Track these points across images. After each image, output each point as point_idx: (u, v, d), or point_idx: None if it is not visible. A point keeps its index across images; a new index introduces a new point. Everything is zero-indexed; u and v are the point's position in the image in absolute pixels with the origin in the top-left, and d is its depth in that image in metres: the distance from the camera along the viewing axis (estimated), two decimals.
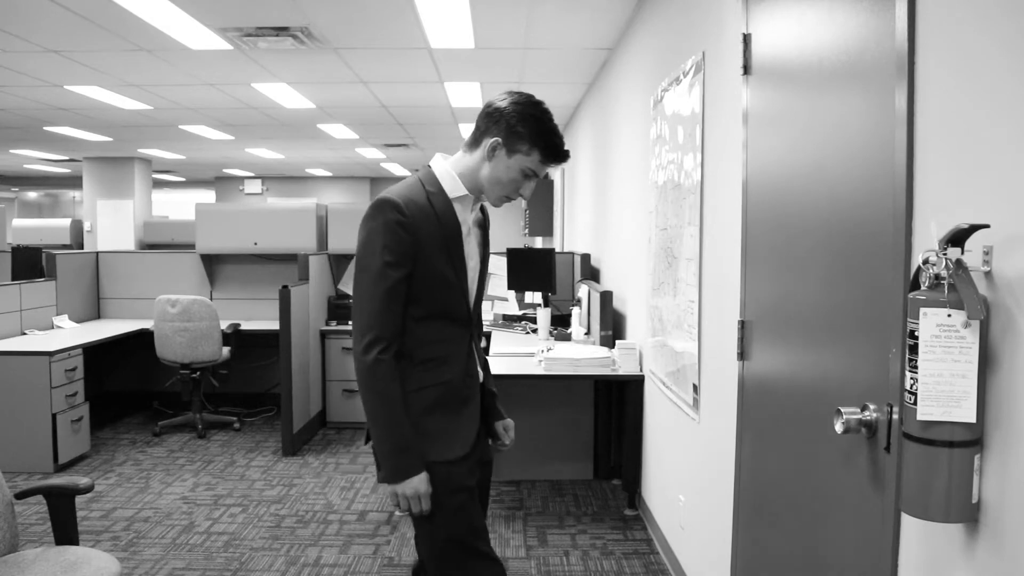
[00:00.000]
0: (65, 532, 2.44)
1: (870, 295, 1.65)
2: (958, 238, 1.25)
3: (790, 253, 2.06)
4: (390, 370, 1.90)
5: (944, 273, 1.25)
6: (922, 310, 1.26)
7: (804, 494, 1.95)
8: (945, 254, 1.25)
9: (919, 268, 1.31)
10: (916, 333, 1.27)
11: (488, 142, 1.97)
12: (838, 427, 1.60)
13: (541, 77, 6.10)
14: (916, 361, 1.27)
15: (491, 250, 2.23)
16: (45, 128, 8.72)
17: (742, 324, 2.41)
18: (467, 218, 2.05)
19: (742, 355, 2.41)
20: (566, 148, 2.02)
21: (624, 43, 4.73)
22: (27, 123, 8.33)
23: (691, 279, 3.05)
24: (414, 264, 1.92)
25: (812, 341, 1.93)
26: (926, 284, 1.28)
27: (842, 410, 1.59)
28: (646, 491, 3.97)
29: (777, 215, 2.16)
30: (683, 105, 3.17)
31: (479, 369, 2.13)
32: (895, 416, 1.51)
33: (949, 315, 1.24)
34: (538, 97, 2.02)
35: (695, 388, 2.99)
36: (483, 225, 2.18)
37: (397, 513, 4.04)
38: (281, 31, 4.72)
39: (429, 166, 2.06)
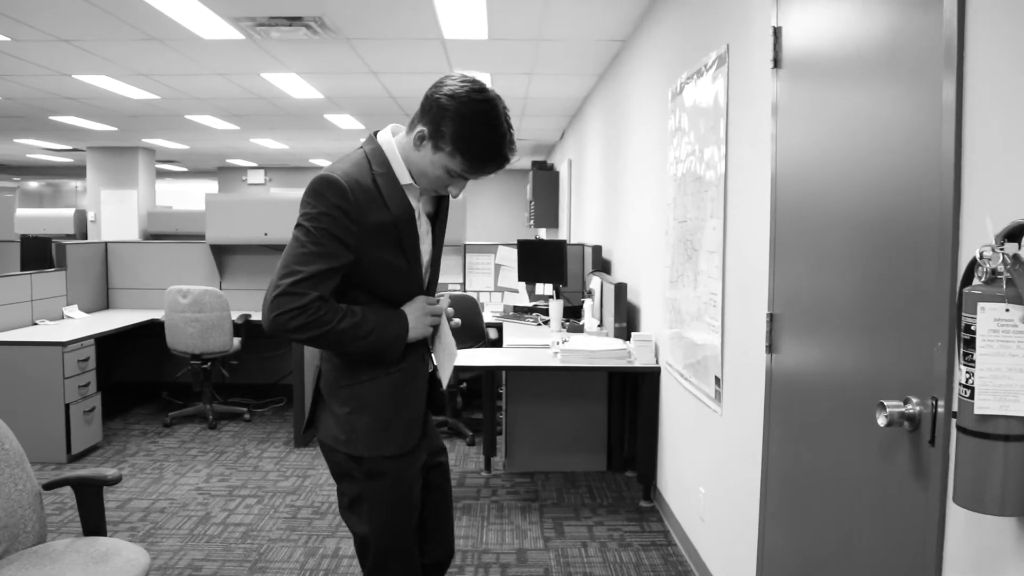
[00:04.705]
0: (93, 523, 2.44)
1: (911, 290, 1.64)
2: (1015, 233, 1.25)
3: (824, 247, 2.06)
4: (325, 303, 1.78)
5: (1001, 268, 1.25)
6: (979, 304, 1.25)
7: (838, 487, 1.95)
8: (1002, 249, 1.25)
9: (974, 263, 1.31)
10: (972, 328, 1.27)
11: (416, 130, 1.81)
12: (881, 420, 1.60)
13: (552, 68, 6.08)
14: (972, 356, 1.27)
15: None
16: (50, 117, 8.68)
17: (771, 317, 2.40)
18: (417, 205, 1.92)
19: (771, 348, 2.41)
20: (504, 154, 1.79)
21: (639, 35, 4.71)
22: (33, 112, 8.30)
23: (713, 272, 3.05)
24: (357, 252, 1.81)
25: (847, 335, 1.92)
26: (982, 279, 1.28)
27: (885, 403, 1.60)
28: (662, 483, 3.97)
29: (810, 209, 2.15)
30: (705, 98, 3.16)
31: (449, 342, 2.05)
32: (940, 410, 1.51)
33: (1007, 310, 1.23)
34: (491, 89, 1.79)
35: (717, 380, 2.99)
36: (437, 214, 2.02)
37: None
38: (295, 21, 4.70)
39: (376, 141, 1.88)
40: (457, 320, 2.06)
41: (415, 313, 1.92)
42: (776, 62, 2.37)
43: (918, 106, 1.62)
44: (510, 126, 1.83)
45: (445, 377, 2.06)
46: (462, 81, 1.79)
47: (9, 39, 5.12)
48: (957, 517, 1.46)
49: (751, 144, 2.65)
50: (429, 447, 2.10)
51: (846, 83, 1.94)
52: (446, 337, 2.03)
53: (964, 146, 1.47)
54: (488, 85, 1.82)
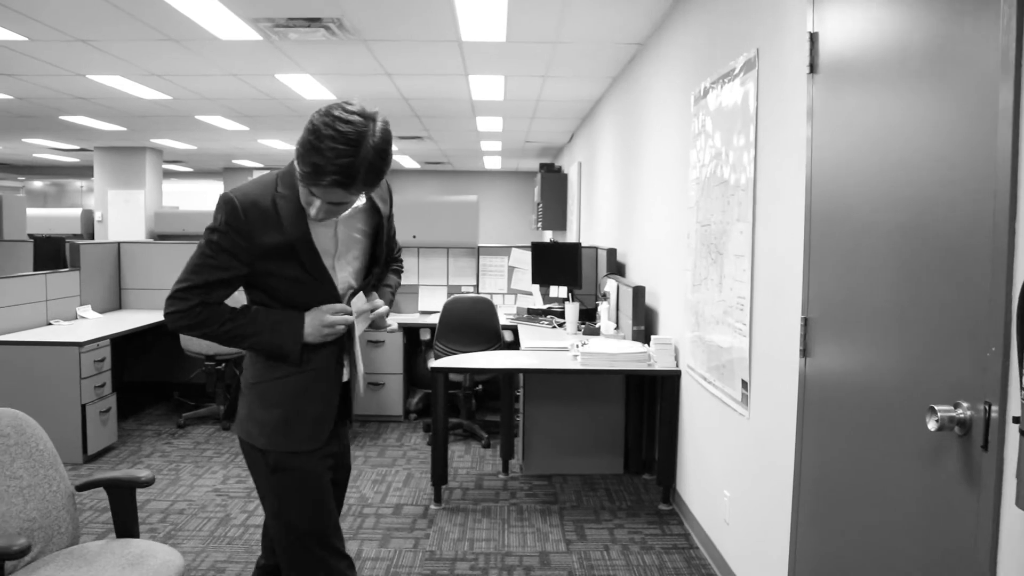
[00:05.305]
0: (125, 524, 2.44)
1: (959, 295, 1.64)
2: None
3: (864, 251, 2.05)
4: (208, 308, 1.97)
5: None
6: None
7: (879, 491, 1.95)
8: None
9: None
10: None
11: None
12: (931, 425, 1.60)
13: (566, 71, 6.08)
14: None
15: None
16: (60, 117, 8.67)
17: (805, 321, 2.40)
18: (333, 221, 2.00)
19: (805, 352, 2.41)
20: (338, 167, 1.76)
21: (657, 38, 4.72)
22: (44, 112, 8.29)
23: (740, 275, 3.05)
24: (251, 265, 1.94)
25: (889, 340, 1.92)
26: None
27: (936, 408, 1.60)
28: (681, 486, 3.97)
29: (849, 213, 2.15)
30: (732, 102, 3.16)
31: (356, 354, 2.14)
32: (994, 414, 1.51)
33: None
34: (367, 116, 1.80)
35: (744, 384, 2.99)
36: (378, 233, 2.13)
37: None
38: (313, 22, 4.70)
39: (293, 163, 1.93)
40: (383, 309, 2.15)
41: (314, 321, 2.01)
42: (812, 67, 2.37)
43: (968, 111, 1.62)
44: (374, 155, 1.80)
45: (359, 386, 2.16)
46: (345, 101, 1.83)
47: (26, 39, 5.12)
48: (1012, 521, 1.46)
49: (782, 148, 2.65)
50: (336, 454, 2.19)
51: (888, 88, 1.94)
52: (355, 345, 2.11)
53: (1021, 151, 1.47)
54: (377, 113, 1.84)
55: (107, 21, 4.69)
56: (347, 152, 1.76)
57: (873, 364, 2.00)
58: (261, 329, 2.00)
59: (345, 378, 2.15)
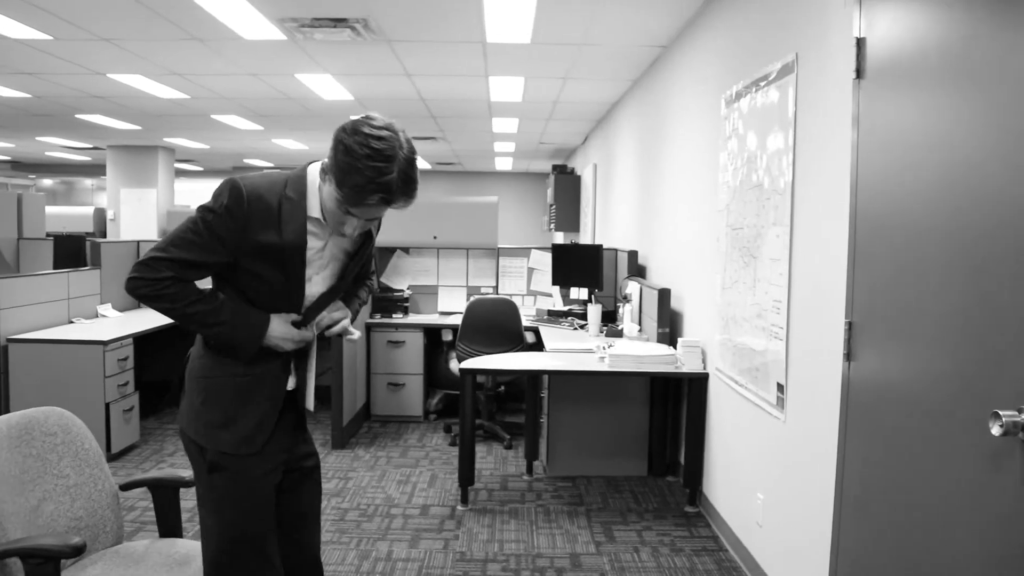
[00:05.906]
0: (169, 524, 2.45)
1: (1021, 300, 1.64)
2: None
3: (918, 255, 2.05)
4: (178, 284, 1.90)
5: None
6: None
7: (931, 495, 1.95)
8: None
9: None
10: None
11: (324, 162, 1.87)
12: (995, 430, 1.60)
13: (586, 74, 6.09)
14: None
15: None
16: (76, 116, 8.69)
17: (850, 325, 2.40)
18: (326, 237, 1.99)
19: (849, 355, 2.41)
20: (380, 185, 1.76)
21: (683, 41, 4.72)
22: (60, 111, 8.31)
23: (776, 279, 3.05)
24: (235, 256, 1.91)
25: (945, 344, 1.92)
26: None
27: (1000, 413, 1.60)
28: (708, 488, 3.97)
29: (900, 217, 2.15)
30: (769, 106, 3.16)
31: (310, 368, 2.12)
32: None
33: None
34: (394, 129, 1.80)
35: (780, 387, 3.00)
36: (357, 252, 2.12)
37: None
38: (339, 22, 4.71)
39: (305, 170, 1.94)
40: (340, 327, 2.13)
41: (280, 327, 1.99)
42: (859, 72, 2.37)
43: None
44: (407, 165, 1.81)
45: (309, 402, 2.16)
46: (366, 117, 1.82)
47: (51, 38, 5.14)
48: None
49: (823, 153, 2.65)
50: (289, 451, 2.15)
51: (945, 92, 1.94)
52: (311, 364, 2.12)
53: None
54: (394, 123, 1.83)
55: (134, 20, 4.70)
56: (386, 169, 1.76)
57: (927, 368, 2.00)
58: (226, 319, 1.94)
59: (290, 387, 2.12)
